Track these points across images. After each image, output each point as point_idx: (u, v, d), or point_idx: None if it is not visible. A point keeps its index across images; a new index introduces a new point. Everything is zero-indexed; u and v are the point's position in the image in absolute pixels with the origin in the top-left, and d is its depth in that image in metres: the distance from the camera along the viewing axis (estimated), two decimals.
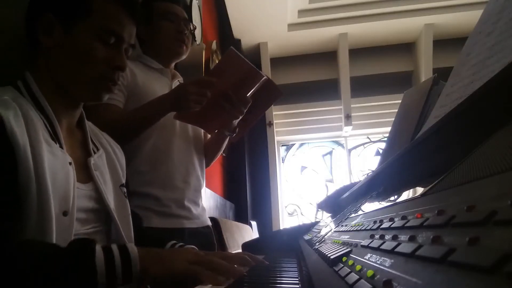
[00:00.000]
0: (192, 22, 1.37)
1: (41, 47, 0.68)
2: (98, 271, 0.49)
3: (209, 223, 1.28)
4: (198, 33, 2.23)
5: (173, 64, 1.25)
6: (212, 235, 1.28)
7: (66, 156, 0.65)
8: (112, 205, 0.73)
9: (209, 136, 1.33)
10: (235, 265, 0.65)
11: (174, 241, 0.85)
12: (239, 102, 1.07)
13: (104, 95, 0.73)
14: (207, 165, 1.31)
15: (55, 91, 0.68)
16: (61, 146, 0.65)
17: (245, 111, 1.10)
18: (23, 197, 0.55)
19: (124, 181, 0.82)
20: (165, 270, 0.55)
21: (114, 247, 0.53)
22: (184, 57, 1.23)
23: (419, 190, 0.42)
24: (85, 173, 0.71)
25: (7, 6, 0.76)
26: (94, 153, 0.75)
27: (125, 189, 0.81)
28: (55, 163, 0.61)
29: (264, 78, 1.07)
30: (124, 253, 0.53)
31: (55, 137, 0.65)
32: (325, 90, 3.99)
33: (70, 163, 0.65)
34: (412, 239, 0.24)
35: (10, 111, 0.56)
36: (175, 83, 1.23)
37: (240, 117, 1.13)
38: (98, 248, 0.51)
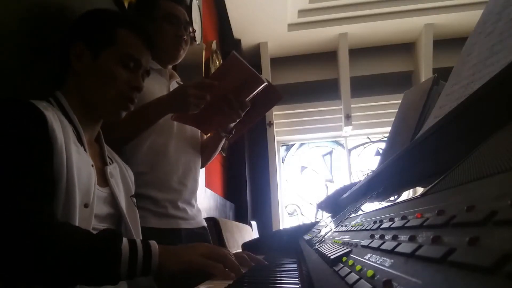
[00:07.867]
0: (192, 24, 1.37)
1: (72, 70, 0.78)
2: (122, 258, 0.56)
3: (205, 224, 1.28)
4: (198, 33, 2.23)
5: (170, 65, 1.26)
6: (208, 236, 1.28)
7: (89, 158, 0.73)
8: (125, 211, 0.80)
9: (205, 136, 1.33)
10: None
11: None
12: (238, 105, 1.08)
13: (122, 113, 0.82)
14: (202, 165, 1.32)
15: (81, 108, 0.77)
16: (85, 150, 0.73)
17: (243, 114, 1.11)
18: (56, 186, 0.63)
19: (133, 192, 0.89)
20: (181, 264, 0.63)
21: (138, 241, 0.61)
22: (178, 61, 1.23)
23: (419, 190, 0.42)
24: (102, 179, 0.79)
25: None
26: (110, 164, 0.84)
27: (135, 199, 0.87)
28: (80, 161, 0.69)
29: (265, 84, 1.08)
30: (146, 247, 0.60)
31: (80, 142, 0.73)
32: (325, 90, 3.99)
33: (92, 165, 0.73)
34: (412, 239, 0.24)
35: (49, 112, 0.65)
36: (173, 84, 1.23)
37: (238, 120, 1.14)
38: (125, 239, 0.59)
